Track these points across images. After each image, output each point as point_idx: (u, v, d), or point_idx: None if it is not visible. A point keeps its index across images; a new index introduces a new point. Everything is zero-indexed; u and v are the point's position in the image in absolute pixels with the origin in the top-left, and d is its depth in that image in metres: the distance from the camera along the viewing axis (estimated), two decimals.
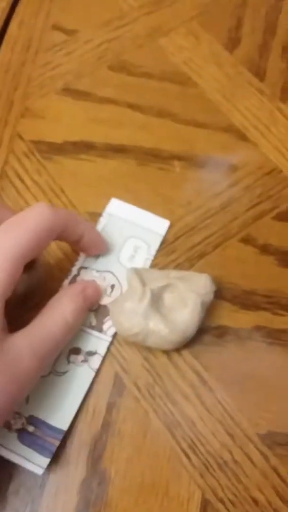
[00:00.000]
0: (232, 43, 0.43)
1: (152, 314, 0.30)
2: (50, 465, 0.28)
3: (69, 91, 0.40)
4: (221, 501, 0.28)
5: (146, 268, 0.32)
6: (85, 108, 0.40)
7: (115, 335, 0.31)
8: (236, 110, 0.40)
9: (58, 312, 0.28)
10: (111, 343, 0.31)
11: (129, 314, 0.30)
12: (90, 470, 0.28)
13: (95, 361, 0.30)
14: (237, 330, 0.32)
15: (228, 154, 0.38)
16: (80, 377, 0.30)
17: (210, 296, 0.31)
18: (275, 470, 0.29)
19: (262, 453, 0.29)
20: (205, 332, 0.32)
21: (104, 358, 0.31)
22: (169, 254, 0.34)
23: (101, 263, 0.33)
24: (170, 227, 0.35)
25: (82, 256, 0.33)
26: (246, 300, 0.33)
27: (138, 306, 0.30)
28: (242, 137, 0.39)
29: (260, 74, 0.42)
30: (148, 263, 0.34)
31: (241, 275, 0.34)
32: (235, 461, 0.29)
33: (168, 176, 0.37)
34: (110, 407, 0.30)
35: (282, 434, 0.29)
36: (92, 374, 0.30)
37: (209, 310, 0.32)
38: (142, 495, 0.28)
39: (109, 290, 0.32)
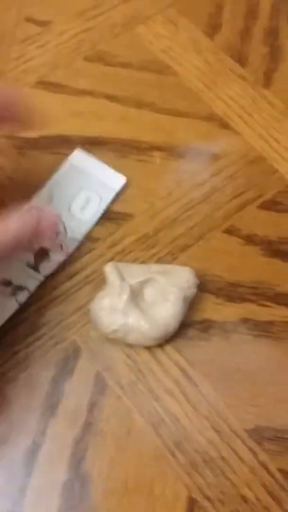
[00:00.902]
0: (212, 29, 0.42)
1: (131, 310, 0.29)
2: (30, 467, 0.27)
3: (44, 84, 0.39)
4: (209, 499, 0.27)
5: (125, 263, 0.31)
6: (61, 101, 0.39)
7: (49, 276, 0.32)
8: (218, 98, 0.39)
9: (4, 221, 0.27)
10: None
11: (108, 311, 0.29)
12: (72, 472, 0.28)
13: (23, 296, 0.31)
14: (222, 323, 0.31)
15: (209, 143, 0.37)
16: (3, 306, 0.30)
17: (193, 290, 0.30)
18: (264, 466, 0.28)
19: (250, 449, 0.28)
20: (189, 326, 0.31)
21: (31, 295, 0.31)
22: (150, 248, 0.33)
23: (52, 209, 0.34)
24: (151, 219, 0.34)
25: (34, 199, 0.34)
26: (231, 292, 0.32)
27: (117, 302, 0.29)
28: (225, 125, 0.38)
29: (242, 60, 0.41)
30: (98, 215, 0.34)
31: (225, 267, 0.33)
32: (223, 458, 0.28)
33: (148, 168, 0.36)
34: (91, 407, 0.29)
35: (270, 429, 0.28)
36: (16, 307, 0.31)
37: (193, 304, 0.31)
38: (126, 496, 0.27)
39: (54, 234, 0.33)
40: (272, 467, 0.28)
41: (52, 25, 0.42)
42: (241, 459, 0.28)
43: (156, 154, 0.37)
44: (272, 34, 0.42)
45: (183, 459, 0.28)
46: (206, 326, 0.31)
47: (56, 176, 0.34)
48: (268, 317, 0.31)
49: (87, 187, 0.34)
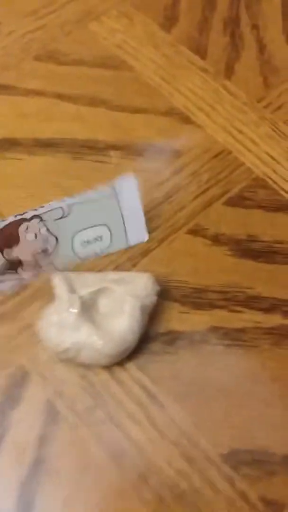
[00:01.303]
0: (169, 22, 0.40)
1: (83, 325, 0.25)
2: None
3: None
4: None
5: (78, 272, 0.28)
6: (9, 103, 0.36)
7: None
8: (178, 92, 0.36)
9: None
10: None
11: (57, 328, 0.25)
12: None
13: None
14: (189, 334, 0.28)
15: (170, 139, 0.34)
16: None
17: (152, 299, 0.27)
18: (243, 495, 0.24)
19: (226, 477, 0.25)
20: (152, 339, 0.28)
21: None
22: (107, 255, 0.30)
23: (56, 226, 0.27)
24: None
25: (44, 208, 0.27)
26: (198, 299, 0.29)
27: (67, 317, 0.25)
28: (185, 120, 0.35)
29: (201, 52, 0.38)
30: (91, 257, 0.29)
31: (191, 271, 0.30)
32: (195, 490, 0.24)
33: (104, 169, 0.33)
34: (41, 440, 0.25)
35: (249, 452, 0.25)
36: None
37: (155, 314, 0.28)
38: None
39: (39, 250, 0.27)
40: (252, 496, 0.24)
41: (1, 26, 0.39)
42: (216, 489, 0.24)
43: (113, 153, 0.34)
44: (232, 23, 0.39)
45: (149, 494, 0.24)
46: (172, 338, 0.28)
47: (91, 194, 0.28)
48: (240, 323, 0.28)
49: (109, 224, 0.28)
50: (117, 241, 0.29)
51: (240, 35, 0.39)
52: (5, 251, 0.27)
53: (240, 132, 0.35)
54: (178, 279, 0.29)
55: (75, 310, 0.25)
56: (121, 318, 0.26)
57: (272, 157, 0.34)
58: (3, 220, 0.26)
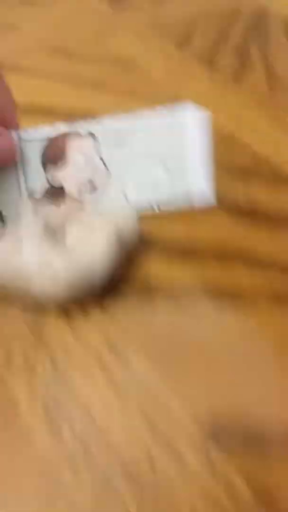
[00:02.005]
0: (182, 43, 0.41)
1: (41, 244, 0.21)
2: None
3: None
4: None
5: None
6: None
7: None
8: (185, 89, 0.36)
9: None
10: None
11: (6, 246, 0.21)
12: None
13: None
14: (172, 285, 0.22)
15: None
16: None
17: (132, 236, 0.22)
18: (224, 480, 0.17)
19: (204, 453, 0.17)
20: (126, 285, 0.22)
21: None
22: None
23: (109, 154, 0.21)
24: None
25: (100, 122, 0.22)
26: (187, 250, 0.24)
27: (21, 233, 0.21)
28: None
29: (211, 62, 0.39)
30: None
31: (181, 222, 0.25)
32: (158, 471, 0.17)
33: None
34: None
35: (234, 424, 0.18)
36: None
37: (133, 260, 0.23)
38: None
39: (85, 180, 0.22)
40: (237, 481, 0.16)
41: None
42: (189, 471, 0.17)
43: None
44: (243, 51, 0.41)
45: (92, 472, 0.17)
46: (151, 287, 0.22)
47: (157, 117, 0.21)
48: (235, 280, 0.23)
49: (171, 169, 0.22)
50: (176, 195, 0.22)
51: (249, 60, 0.40)
52: (49, 168, 0.21)
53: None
54: (165, 228, 0.25)
55: (35, 229, 0.21)
56: (91, 244, 0.21)
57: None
58: (53, 127, 0.22)
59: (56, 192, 0.22)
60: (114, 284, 0.22)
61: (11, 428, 0.18)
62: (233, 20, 0.44)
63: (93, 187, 0.21)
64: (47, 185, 0.22)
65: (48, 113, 0.32)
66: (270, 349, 0.20)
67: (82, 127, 0.21)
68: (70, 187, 0.22)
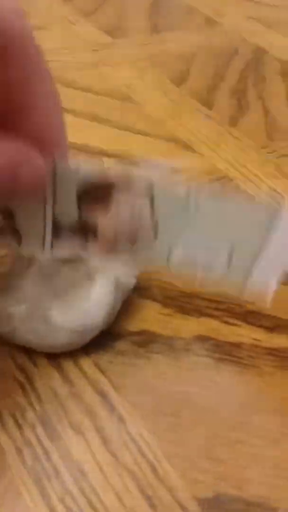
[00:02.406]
0: (179, 80, 0.41)
1: (33, 287, 0.19)
2: None
3: None
4: None
5: None
6: None
7: None
8: (182, 127, 0.36)
9: None
10: None
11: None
12: None
13: None
14: (169, 339, 0.21)
15: (169, 160, 0.32)
16: None
17: (130, 280, 0.21)
18: None
19: None
20: (119, 336, 0.21)
21: None
22: None
23: (165, 209, 0.18)
24: None
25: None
26: (185, 304, 0.23)
27: (16, 278, 0.19)
28: (187, 147, 0.34)
29: (208, 104, 0.39)
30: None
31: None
32: None
33: None
34: None
35: (239, 501, 0.17)
36: None
37: (127, 311, 0.22)
38: None
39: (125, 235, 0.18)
40: None
41: None
42: None
43: (106, 160, 0.31)
44: (239, 92, 0.41)
45: None
46: (145, 340, 0.21)
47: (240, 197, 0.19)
48: (235, 337, 0.22)
49: (236, 252, 0.19)
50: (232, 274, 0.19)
51: (246, 100, 0.40)
52: (85, 207, 0.18)
53: (244, 166, 0.33)
54: (162, 279, 0.24)
55: (32, 269, 0.19)
56: (87, 289, 0.20)
57: (276, 191, 0.31)
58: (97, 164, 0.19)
59: (86, 227, 0.18)
60: (108, 337, 0.20)
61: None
62: (230, 60, 0.44)
63: (131, 241, 0.18)
64: (75, 220, 0.18)
65: None
66: (277, 419, 0.19)
67: (136, 170, 0.18)
68: (105, 232, 0.18)
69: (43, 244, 0.18)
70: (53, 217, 0.18)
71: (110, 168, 0.19)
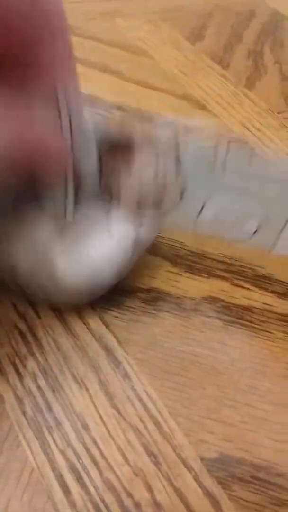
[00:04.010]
0: (194, 37, 0.39)
1: (45, 238, 0.18)
2: None
3: None
4: None
5: None
6: None
7: None
8: (196, 85, 0.34)
9: None
10: None
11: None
12: None
13: None
14: (178, 298, 0.20)
15: (181, 117, 0.31)
16: None
17: (147, 242, 0.20)
18: None
19: (207, 493, 0.16)
20: (128, 293, 0.20)
21: None
22: None
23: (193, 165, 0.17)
24: None
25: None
26: (195, 264, 0.22)
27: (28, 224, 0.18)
28: (201, 106, 0.32)
29: (223, 64, 0.37)
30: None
31: (189, 234, 0.23)
32: (157, 505, 0.15)
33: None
34: None
35: (245, 463, 0.16)
36: None
37: (136, 267, 0.21)
38: None
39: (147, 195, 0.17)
40: None
41: None
42: (189, 508, 0.15)
43: (117, 113, 0.30)
44: (255, 54, 0.39)
45: (85, 500, 0.15)
46: (154, 297, 0.20)
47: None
48: (246, 301, 0.21)
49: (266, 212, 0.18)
50: (262, 237, 0.18)
51: (263, 64, 0.38)
52: (106, 167, 0.17)
53: (259, 130, 0.31)
54: (172, 238, 0.23)
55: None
56: (101, 245, 0.18)
57: None
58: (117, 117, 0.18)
59: (107, 194, 0.17)
60: (115, 292, 0.19)
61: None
62: (248, 21, 0.42)
63: (157, 203, 0.17)
64: (97, 183, 0.17)
65: None
66: (286, 378, 0.18)
67: (164, 141, 0.16)
68: (127, 195, 0.17)
69: (65, 209, 0.17)
70: (74, 180, 0.16)
71: (132, 126, 0.17)
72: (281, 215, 0.17)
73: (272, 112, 0.33)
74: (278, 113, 0.33)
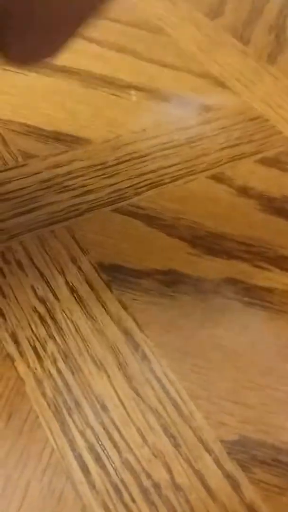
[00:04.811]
0: (214, 14, 0.38)
1: None
2: None
3: None
4: None
5: None
6: None
7: None
8: (215, 62, 0.33)
9: None
10: None
11: None
12: None
13: None
14: (197, 280, 0.20)
15: (200, 96, 0.30)
16: None
17: None
18: (250, 508, 0.15)
19: (228, 475, 0.15)
20: (145, 274, 0.20)
21: None
22: (107, 177, 0.23)
23: None
24: (113, 150, 0.25)
25: None
26: (214, 245, 0.22)
27: None
28: (220, 84, 0.31)
29: (244, 40, 0.36)
30: None
31: (209, 215, 0.23)
32: (177, 487, 0.15)
33: (121, 103, 0.28)
34: None
35: (266, 445, 0.16)
36: None
37: (153, 248, 0.21)
38: None
39: None
40: (264, 507, 0.15)
41: None
42: (210, 491, 0.15)
43: (134, 92, 0.29)
44: (277, 28, 0.38)
45: (105, 484, 0.15)
46: (173, 280, 0.20)
47: None
48: (266, 282, 0.21)
49: None
50: None
51: (285, 38, 0.37)
52: None
53: (281, 107, 0.30)
54: (191, 219, 0.22)
55: None
56: None
57: None
58: None
59: None
60: (133, 274, 0.19)
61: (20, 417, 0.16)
62: None
63: None
64: None
65: (63, 72, 0.29)
66: None
67: None
68: None
69: None
70: None
71: None
72: None
73: None
74: None
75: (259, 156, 0.27)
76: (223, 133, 0.27)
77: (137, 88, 0.29)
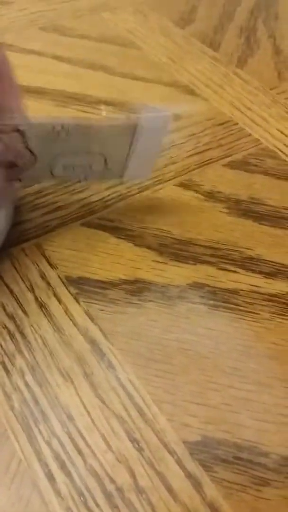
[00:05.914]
0: (184, 22, 0.39)
1: None
2: None
3: None
4: None
5: None
6: None
7: None
8: (185, 70, 0.34)
9: None
10: None
11: None
12: None
13: None
14: (163, 287, 0.21)
15: (170, 105, 0.31)
16: None
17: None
18: (211, 506, 0.15)
19: (189, 475, 0.16)
20: (112, 285, 0.21)
21: None
22: (77, 192, 0.24)
23: (41, 144, 0.19)
24: None
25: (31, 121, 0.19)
26: (180, 251, 0.22)
27: None
28: (190, 92, 0.32)
29: (214, 46, 0.36)
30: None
31: (175, 223, 0.23)
32: (139, 489, 0.16)
33: (90, 118, 0.29)
34: None
35: (228, 444, 0.17)
36: None
37: (122, 258, 0.21)
38: None
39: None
40: (226, 506, 0.15)
41: (14, 4, 0.38)
42: (172, 492, 0.16)
43: (104, 107, 0.30)
44: (248, 30, 0.38)
45: (69, 489, 0.15)
46: (138, 288, 0.21)
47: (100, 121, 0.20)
48: (232, 284, 0.21)
49: (108, 155, 0.21)
50: (110, 173, 0.21)
51: (255, 40, 0.38)
52: None
53: (249, 109, 0.31)
54: (158, 227, 0.23)
55: None
56: None
57: (284, 134, 0.29)
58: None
59: None
60: (100, 285, 0.20)
61: None
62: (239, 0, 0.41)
63: (13, 167, 0.19)
64: None
65: (37, 93, 0.30)
66: (273, 365, 0.18)
67: (7, 123, 0.19)
68: None
69: None
70: None
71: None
72: (121, 155, 0.20)
73: (264, 89, 0.32)
74: (270, 89, 0.33)
75: (227, 159, 0.27)
76: (191, 140, 0.28)
77: (106, 103, 0.30)
